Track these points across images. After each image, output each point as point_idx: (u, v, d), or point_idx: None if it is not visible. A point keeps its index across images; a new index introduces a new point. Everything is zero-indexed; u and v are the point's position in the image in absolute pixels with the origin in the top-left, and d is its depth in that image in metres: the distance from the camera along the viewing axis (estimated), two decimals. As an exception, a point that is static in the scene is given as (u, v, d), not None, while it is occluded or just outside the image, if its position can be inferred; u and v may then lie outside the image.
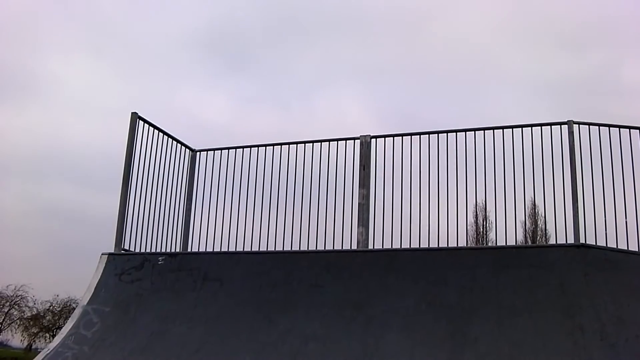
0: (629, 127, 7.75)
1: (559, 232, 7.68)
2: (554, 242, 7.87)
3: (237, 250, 8.71)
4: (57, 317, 48.51)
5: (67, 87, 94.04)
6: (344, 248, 8.24)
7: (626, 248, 7.31)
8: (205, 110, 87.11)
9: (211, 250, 8.93)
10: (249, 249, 8.69)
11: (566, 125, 7.86)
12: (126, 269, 8.54)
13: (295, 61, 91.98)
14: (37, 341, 49.26)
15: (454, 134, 8.25)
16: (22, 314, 50.13)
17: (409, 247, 7.94)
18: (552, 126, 7.93)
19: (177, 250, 9.32)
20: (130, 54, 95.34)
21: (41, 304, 50.14)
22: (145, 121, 9.23)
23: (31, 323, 49.45)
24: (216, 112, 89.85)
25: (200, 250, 9.10)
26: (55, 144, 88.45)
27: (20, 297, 49.64)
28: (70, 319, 8.38)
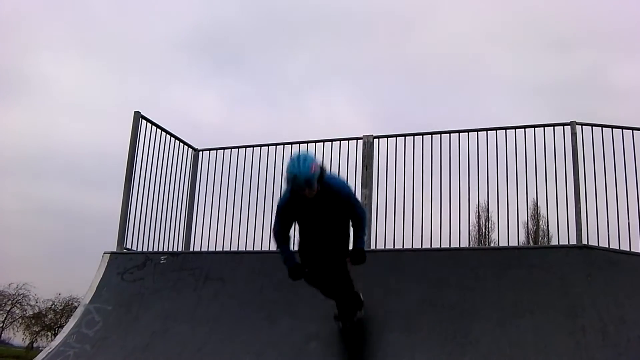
0: (632, 128, 7.75)
1: (561, 233, 7.68)
2: (556, 243, 7.86)
3: (239, 249, 8.71)
4: (59, 316, 48.52)
5: (58, 87, 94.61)
6: (345, 248, 8.23)
7: (628, 249, 7.31)
8: (197, 110, 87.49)
9: (213, 249, 8.93)
10: (251, 249, 8.70)
11: (569, 126, 7.85)
12: (128, 268, 8.54)
13: (285, 61, 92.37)
14: (38, 340, 49.30)
15: (457, 134, 8.25)
16: (24, 313, 50.17)
17: (411, 247, 7.94)
18: (555, 127, 7.92)
19: (179, 249, 9.32)
20: (120, 54, 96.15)
21: (43, 302, 50.18)
22: (148, 120, 9.24)
23: (33, 321, 49.46)
24: (207, 112, 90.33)
25: (202, 249, 9.09)
26: (47, 143, 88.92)
27: (22, 295, 49.69)
28: (72, 317, 8.39)
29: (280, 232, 6.02)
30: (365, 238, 6.11)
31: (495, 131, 8.09)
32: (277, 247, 6.11)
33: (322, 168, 5.63)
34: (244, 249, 8.70)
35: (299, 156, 5.57)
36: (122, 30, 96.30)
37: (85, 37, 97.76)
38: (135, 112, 9.20)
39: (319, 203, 5.67)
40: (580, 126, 7.82)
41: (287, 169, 5.50)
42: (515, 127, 8.04)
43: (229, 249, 8.79)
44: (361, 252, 5.91)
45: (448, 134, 8.28)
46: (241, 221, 8.97)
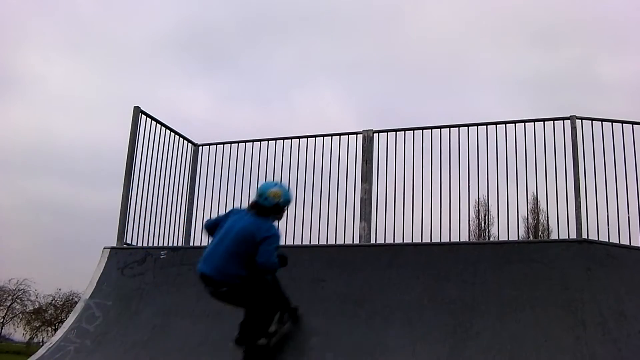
0: (632, 122, 7.75)
1: (561, 227, 7.68)
2: (556, 237, 7.86)
3: (239, 244, 8.70)
4: (59, 311, 48.68)
5: (48, 84, 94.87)
6: (346, 242, 8.25)
7: (628, 243, 7.32)
8: (185, 107, 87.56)
9: (213, 244, 8.91)
10: (251, 244, 8.68)
11: (569, 120, 7.84)
12: (128, 263, 8.55)
13: (272, 58, 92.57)
14: (39, 335, 49.49)
15: (457, 128, 8.24)
16: (25, 308, 50.36)
17: (411, 241, 7.94)
18: (555, 121, 7.92)
19: (180, 244, 9.32)
20: (109, 52, 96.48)
21: (43, 297, 50.36)
22: (147, 115, 9.23)
23: (33, 317, 49.62)
24: (196, 109, 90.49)
25: (202, 244, 9.08)
26: (40, 139, 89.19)
27: (22, 291, 49.85)
28: (72, 312, 8.40)
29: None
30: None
31: (495, 125, 8.09)
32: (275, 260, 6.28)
33: None
34: (244, 244, 8.69)
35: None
36: (108, 29, 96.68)
37: (73, 36, 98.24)
38: (134, 107, 9.19)
39: None
40: (580, 120, 7.82)
41: (286, 193, 6.42)
42: (515, 122, 8.04)
43: (229, 244, 8.78)
44: None
45: (448, 129, 8.28)
46: (241, 216, 8.95)
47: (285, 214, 6.61)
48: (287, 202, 6.45)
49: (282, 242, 8.41)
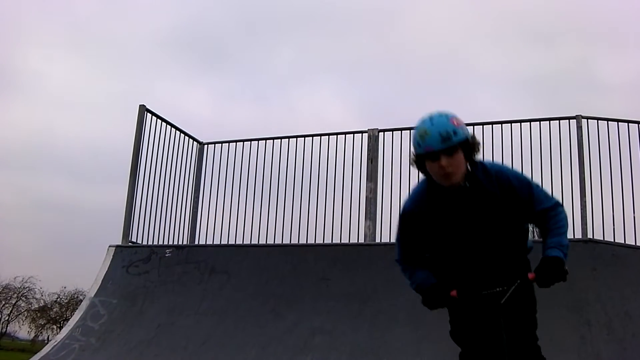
0: (638, 122, 7.72)
1: (566, 227, 7.64)
2: (562, 237, 7.83)
3: (245, 243, 8.72)
4: (64, 309, 48.69)
5: (49, 83, 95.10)
6: (351, 241, 8.24)
7: (634, 243, 7.29)
8: (186, 106, 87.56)
9: (218, 243, 8.94)
10: (256, 242, 8.70)
11: (574, 120, 7.82)
12: (133, 261, 8.56)
13: (271, 57, 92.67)
14: (44, 333, 49.54)
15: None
16: (30, 306, 50.38)
17: (416, 241, 7.91)
18: (560, 120, 7.90)
19: (185, 242, 9.33)
20: (110, 51, 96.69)
21: (48, 295, 50.39)
22: (153, 114, 9.24)
23: (38, 315, 49.66)
24: (196, 107, 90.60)
25: (207, 243, 9.11)
26: (42, 138, 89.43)
27: (27, 288, 49.89)
28: (77, 310, 8.42)
29: (406, 258, 3.53)
30: (566, 243, 3.29)
31: (500, 125, 8.08)
32: (405, 272, 3.58)
33: (473, 139, 3.26)
34: (249, 242, 8.71)
35: (431, 113, 3.23)
36: (109, 27, 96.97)
37: (74, 34, 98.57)
38: (140, 105, 9.22)
39: (473, 202, 3.34)
40: (585, 120, 7.80)
41: (416, 130, 3.19)
42: (520, 121, 8.02)
43: (234, 242, 8.80)
44: (554, 263, 3.19)
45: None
46: (246, 214, 8.99)
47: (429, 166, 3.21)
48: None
49: (287, 241, 8.46)
